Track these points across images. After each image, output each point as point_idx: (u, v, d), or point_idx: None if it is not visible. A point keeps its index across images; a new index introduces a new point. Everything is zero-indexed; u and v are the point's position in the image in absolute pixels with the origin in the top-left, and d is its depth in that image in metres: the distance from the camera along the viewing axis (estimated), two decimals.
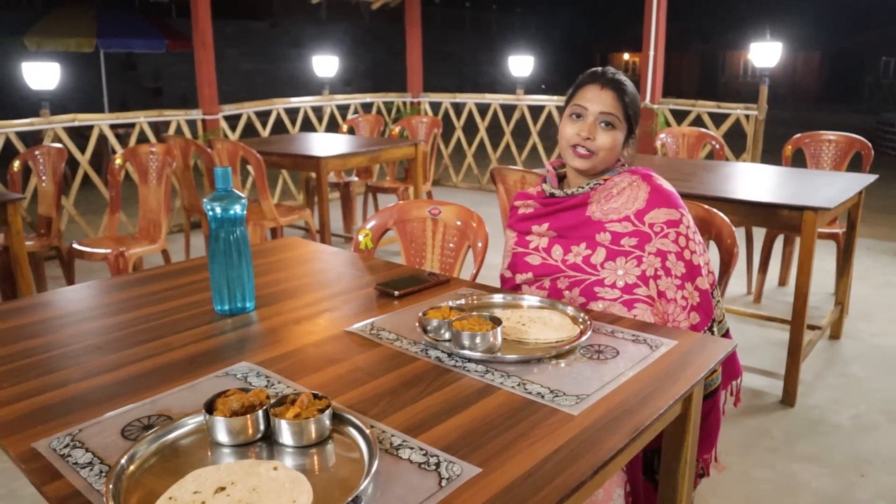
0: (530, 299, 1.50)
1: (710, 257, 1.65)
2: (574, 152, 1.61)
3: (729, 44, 27.32)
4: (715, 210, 1.93)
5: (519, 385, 1.14)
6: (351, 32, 23.10)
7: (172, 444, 0.99)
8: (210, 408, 1.01)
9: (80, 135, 6.05)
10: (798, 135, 4.15)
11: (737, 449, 2.52)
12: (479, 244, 1.89)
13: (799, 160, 4.14)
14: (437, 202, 2.03)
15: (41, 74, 5.02)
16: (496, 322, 1.28)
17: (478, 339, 1.23)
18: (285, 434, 0.98)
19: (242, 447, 0.99)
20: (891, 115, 12.14)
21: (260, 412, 1.00)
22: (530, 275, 1.68)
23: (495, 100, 7.15)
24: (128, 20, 8.75)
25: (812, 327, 3.17)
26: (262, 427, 1.00)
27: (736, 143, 5.75)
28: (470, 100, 7.32)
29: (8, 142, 4.91)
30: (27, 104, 8.26)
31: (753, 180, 3.30)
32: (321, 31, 22.06)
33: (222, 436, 0.98)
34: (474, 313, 1.32)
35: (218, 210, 1.44)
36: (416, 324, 1.34)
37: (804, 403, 2.85)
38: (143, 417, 1.07)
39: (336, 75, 7.20)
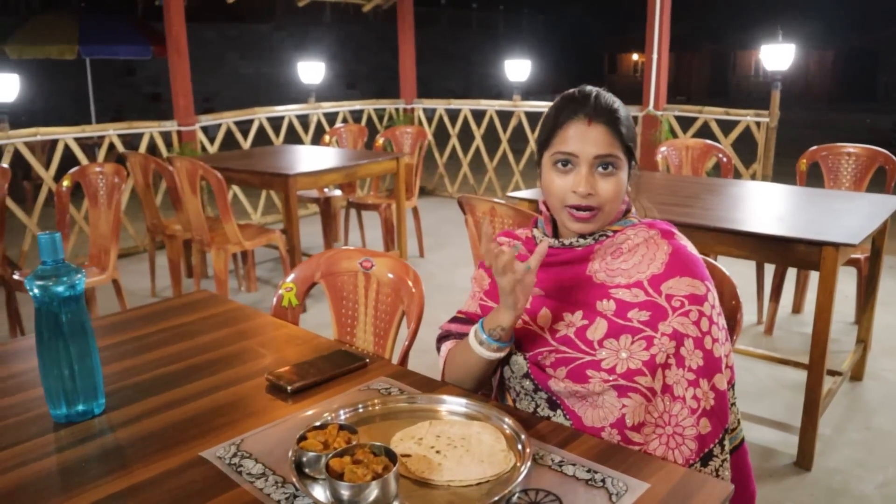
0: (455, 403, 1.14)
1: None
2: (571, 215, 1.23)
3: (740, 43, 26.77)
4: (714, 262, 1.55)
5: None
6: (355, 35, 22.79)
7: None
8: None
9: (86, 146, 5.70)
10: (814, 147, 3.75)
11: None
12: (415, 310, 1.52)
13: (815, 174, 3.75)
14: (370, 252, 1.66)
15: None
16: (391, 459, 0.91)
17: (358, 495, 0.86)
18: None
19: None
20: None
21: None
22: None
23: (491, 106, 6.78)
24: (112, 26, 8.42)
25: (831, 373, 2.78)
26: None
27: (746, 149, 5.35)
28: (465, 106, 6.95)
29: None
30: (19, 111, 8.00)
31: (764, 204, 2.91)
32: (325, 33, 21.76)
33: None
34: (365, 444, 0.95)
35: (36, 290, 1.08)
36: (290, 455, 0.98)
37: (823, 466, 2.45)
38: None
39: (339, 78, 6.87)
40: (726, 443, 1.21)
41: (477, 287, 1.38)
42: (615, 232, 1.26)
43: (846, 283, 4.08)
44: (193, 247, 4.20)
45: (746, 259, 2.59)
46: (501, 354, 1.24)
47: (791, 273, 3.79)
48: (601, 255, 1.26)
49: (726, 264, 4.69)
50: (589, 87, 1.26)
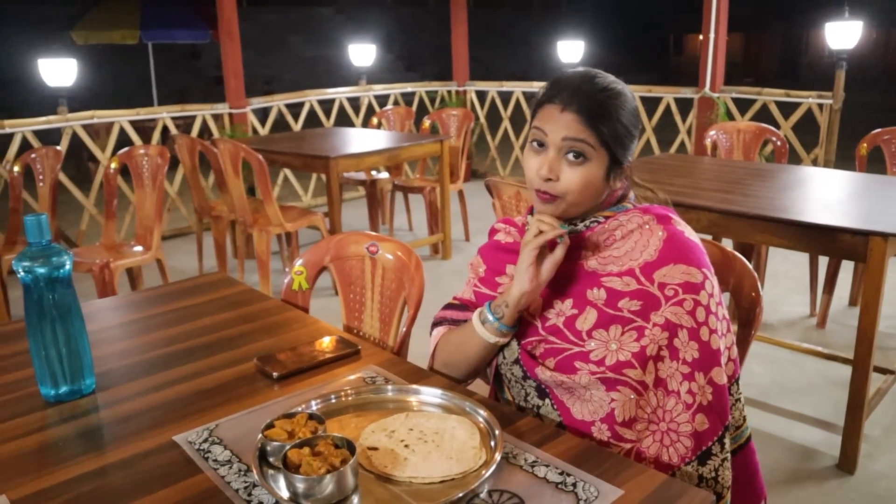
0: (430, 394, 1.10)
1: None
2: (537, 195, 1.18)
3: (812, 22, 25.45)
4: (735, 252, 1.46)
5: None
6: (417, 17, 22.74)
7: None
8: None
9: (140, 129, 5.84)
10: (876, 130, 3.54)
11: None
12: (414, 295, 1.49)
13: (881, 159, 3.53)
14: (376, 237, 1.63)
15: (58, 71, 4.85)
16: (350, 451, 0.88)
17: (313, 488, 0.84)
18: None
19: None
20: None
21: None
22: None
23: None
24: (172, 11, 8.62)
25: (882, 370, 2.62)
26: None
27: (810, 133, 5.08)
28: (517, 88, 6.84)
29: (25, 141, 4.75)
30: (87, 95, 8.26)
31: (813, 191, 2.75)
32: (385, 16, 21.79)
33: None
34: (328, 436, 0.92)
35: (23, 272, 1.09)
36: (257, 444, 0.96)
37: (867, 470, 2.32)
38: None
39: (399, 61, 6.87)
40: (727, 441, 1.14)
41: (472, 273, 1.34)
42: (607, 218, 1.20)
43: None
44: (237, 228, 4.27)
45: (787, 249, 2.46)
46: (500, 340, 1.19)
47: (848, 263, 3.59)
48: (593, 243, 1.20)
49: (780, 254, 4.47)
50: (573, 71, 1.18)
